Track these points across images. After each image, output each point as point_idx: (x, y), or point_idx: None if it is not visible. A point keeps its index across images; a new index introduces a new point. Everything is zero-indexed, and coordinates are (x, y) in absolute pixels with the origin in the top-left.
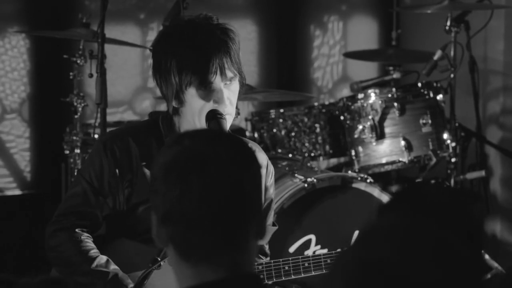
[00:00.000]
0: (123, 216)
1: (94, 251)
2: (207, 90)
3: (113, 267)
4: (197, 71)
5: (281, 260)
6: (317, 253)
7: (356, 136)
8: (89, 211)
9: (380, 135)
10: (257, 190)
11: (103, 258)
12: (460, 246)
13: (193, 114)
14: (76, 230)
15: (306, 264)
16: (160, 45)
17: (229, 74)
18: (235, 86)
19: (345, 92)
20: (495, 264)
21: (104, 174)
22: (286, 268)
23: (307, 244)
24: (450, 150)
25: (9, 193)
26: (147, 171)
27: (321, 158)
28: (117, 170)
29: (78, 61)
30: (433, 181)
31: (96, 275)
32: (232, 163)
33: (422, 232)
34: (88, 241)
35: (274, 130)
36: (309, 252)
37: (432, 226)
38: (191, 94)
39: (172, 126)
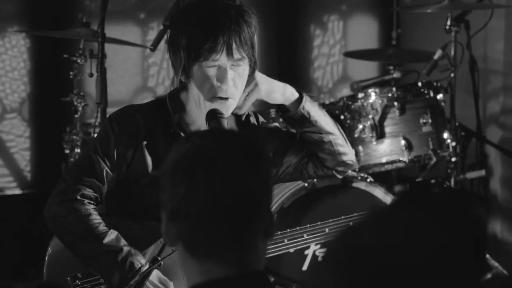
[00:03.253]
0: (117, 193)
1: (103, 226)
2: (212, 68)
3: (123, 242)
4: (203, 47)
5: (298, 228)
6: (317, 253)
7: (356, 135)
8: (96, 184)
9: (380, 135)
10: (265, 190)
11: (113, 233)
12: (460, 247)
13: (198, 88)
14: (85, 201)
15: (327, 230)
16: (175, 19)
17: (236, 55)
18: (244, 69)
19: (345, 91)
20: (496, 264)
21: (110, 147)
22: (305, 236)
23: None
24: (450, 149)
25: (9, 192)
26: (146, 150)
27: None
28: (122, 145)
29: (78, 61)
30: (433, 181)
31: (108, 250)
32: (240, 163)
33: (421, 227)
34: (95, 213)
35: None
36: (309, 252)
37: (433, 225)
38: (197, 70)
39: (180, 103)
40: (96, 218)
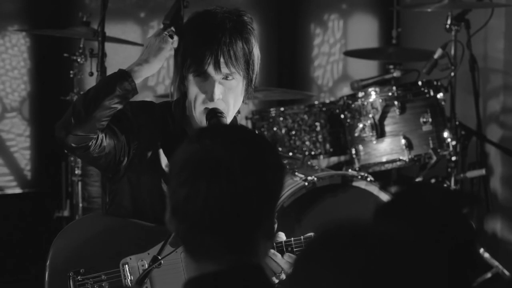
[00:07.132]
0: (125, 190)
1: None
2: (201, 79)
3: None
4: (194, 58)
5: (292, 239)
6: None
7: (356, 134)
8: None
9: (380, 134)
10: (269, 197)
11: None
12: (446, 261)
13: (190, 100)
14: None
15: None
16: (183, 27)
17: (224, 69)
18: (235, 84)
19: (346, 90)
20: (496, 263)
21: (125, 112)
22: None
23: None
24: (451, 148)
25: (9, 191)
26: (155, 145)
27: (321, 156)
28: (136, 122)
29: (79, 60)
30: (433, 180)
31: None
32: (244, 171)
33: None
34: None
35: (275, 129)
36: None
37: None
38: (190, 80)
39: (183, 109)
40: None
